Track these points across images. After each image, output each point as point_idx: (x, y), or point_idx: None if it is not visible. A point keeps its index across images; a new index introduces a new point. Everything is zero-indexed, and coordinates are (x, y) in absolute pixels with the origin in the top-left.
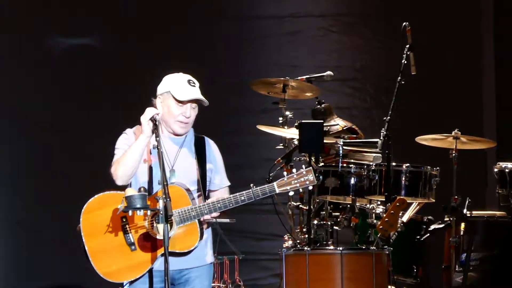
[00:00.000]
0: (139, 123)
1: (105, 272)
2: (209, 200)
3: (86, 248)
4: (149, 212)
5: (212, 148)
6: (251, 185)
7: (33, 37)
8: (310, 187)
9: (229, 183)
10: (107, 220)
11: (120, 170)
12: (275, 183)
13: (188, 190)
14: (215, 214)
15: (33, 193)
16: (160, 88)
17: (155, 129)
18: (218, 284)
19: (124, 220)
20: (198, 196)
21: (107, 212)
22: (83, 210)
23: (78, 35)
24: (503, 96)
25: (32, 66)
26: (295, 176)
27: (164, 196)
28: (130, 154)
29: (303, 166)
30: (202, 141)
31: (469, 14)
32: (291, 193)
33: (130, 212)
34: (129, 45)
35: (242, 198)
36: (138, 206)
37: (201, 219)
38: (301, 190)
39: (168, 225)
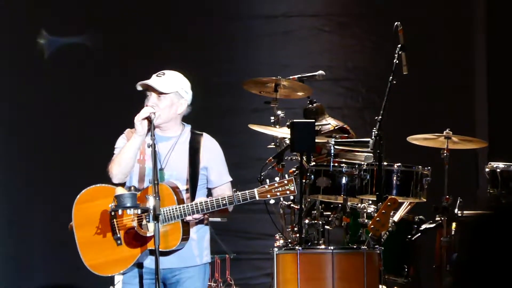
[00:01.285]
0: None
1: (92, 264)
2: (197, 200)
3: (76, 239)
4: (138, 211)
5: (208, 145)
6: (234, 189)
7: (23, 36)
8: (291, 197)
9: (230, 179)
10: (97, 212)
11: (115, 169)
12: (255, 190)
13: (177, 188)
14: (197, 216)
15: (24, 192)
16: None
17: (151, 129)
18: (210, 283)
19: (113, 214)
20: (187, 195)
21: (98, 204)
22: (75, 200)
23: (71, 34)
24: (495, 96)
25: (23, 65)
26: (276, 184)
27: (154, 195)
28: (123, 153)
29: (286, 176)
30: (198, 138)
31: (461, 13)
32: (272, 201)
33: (120, 211)
34: (121, 44)
35: (224, 202)
36: (128, 205)
37: (185, 219)
38: (281, 199)
39: (153, 223)
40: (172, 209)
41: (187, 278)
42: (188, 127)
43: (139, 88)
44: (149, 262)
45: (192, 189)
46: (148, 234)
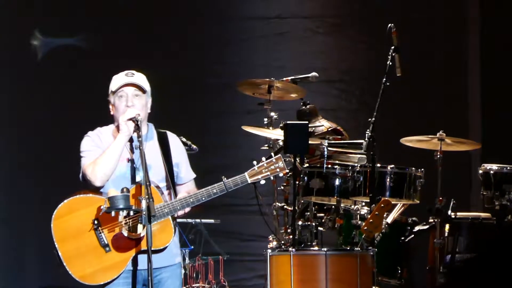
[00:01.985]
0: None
1: (81, 276)
2: (181, 195)
3: (60, 254)
4: (124, 213)
5: (175, 142)
6: (223, 177)
7: (17, 36)
8: (281, 174)
9: (194, 175)
10: (78, 223)
11: (99, 171)
12: (246, 173)
13: (158, 187)
14: (188, 209)
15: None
16: (109, 93)
17: (137, 130)
18: (203, 285)
19: (96, 222)
20: (168, 192)
21: (77, 216)
22: (53, 216)
23: (63, 35)
24: (488, 98)
25: (15, 66)
26: (265, 164)
27: (147, 196)
28: (109, 154)
29: (272, 154)
30: (164, 135)
31: (455, 15)
32: (263, 182)
33: (113, 213)
34: (113, 44)
35: (214, 191)
36: (121, 206)
37: (176, 215)
38: (272, 178)
39: (145, 224)
40: (161, 206)
41: (168, 277)
42: (151, 126)
43: (118, 86)
44: (128, 264)
45: (172, 185)
46: (142, 235)
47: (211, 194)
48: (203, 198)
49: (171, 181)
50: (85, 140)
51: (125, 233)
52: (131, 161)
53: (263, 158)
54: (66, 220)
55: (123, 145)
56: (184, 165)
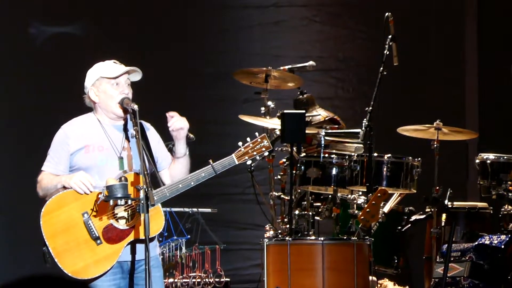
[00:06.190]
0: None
1: (73, 271)
2: (169, 182)
3: (50, 250)
4: (123, 201)
5: (151, 130)
6: (210, 160)
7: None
8: (266, 153)
9: (172, 158)
10: (67, 218)
11: (40, 193)
12: (233, 155)
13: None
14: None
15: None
16: (89, 80)
17: (133, 118)
18: (199, 274)
19: (86, 215)
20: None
21: (66, 211)
22: (41, 212)
23: (60, 24)
24: (485, 87)
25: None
26: (250, 145)
27: (144, 185)
28: (51, 188)
29: (256, 134)
30: (140, 125)
31: (452, 5)
32: (249, 162)
33: (111, 202)
34: (110, 34)
35: (203, 174)
36: (119, 195)
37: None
38: (258, 158)
39: (129, 215)
40: (154, 193)
41: (152, 267)
42: (127, 115)
43: (119, 73)
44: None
45: (156, 172)
46: (123, 227)
47: (199, 178)
48: (192, 183)
49: (156, 168)
50: (58, 135)
51: (116, 224)
52: (120, 150)
53: (248, 139)
54: (55, 216)
55: (61, 185)
56: (163, 151)
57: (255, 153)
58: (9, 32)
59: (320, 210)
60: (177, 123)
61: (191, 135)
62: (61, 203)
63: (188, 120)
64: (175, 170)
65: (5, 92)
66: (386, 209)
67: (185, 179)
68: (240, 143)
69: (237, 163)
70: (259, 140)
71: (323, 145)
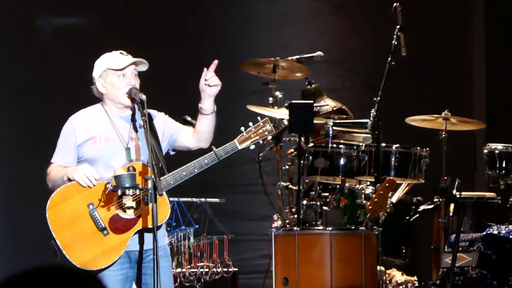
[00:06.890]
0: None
1: (82, 262)
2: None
3: (58, 243)
4: (130, 191)
5: (157, 116)
6: (212, 146)
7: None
8: (269, 137)
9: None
10: (73, 211)
11: (49, 184)
12: (235, 140)
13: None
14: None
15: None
16: (96, 71)
17: (141, 109)
18: (207, 264)
19: (91, 207)
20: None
21: (71, 203)
22: (47, 206)
23: (68, 15)
24: (493, 77)
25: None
26: (253, 129)
27: (152, 176)
28: (59, 180)
29: (259, 118)
30: (148, 115)
31: None
32: (252, 147)
33: (119, 192)
34: (114, 25)
35: (206, 161)
36: (127, 185)
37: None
38: (261, 142)
39: (134, 203)
40: (161, 180)
41: (160, 257)
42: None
43: (125, 64)
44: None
45: (163, 163)
46: (129, 217)
47: (202, 165)
48: (196, 170)
49: (162, 160)
50: (65, 127)
51: (122, 214)
52: (127, 141)
53: (250, 123)
54: (61, 208)
55: (67, 178)
56: (174, 125)
57: (257, 137)
58: (11, 26)
59: (328, 200)
60: (215, 79)
61: (193, 121)
62: (66, 195)
63: (196, 112)
64: (201, 126)
65: (8, 84)
66: (394, 199)
67: (188, 166)
68: (242, 128)
69: (239, 148)
70: (261, 124)
71: (331, 135)
